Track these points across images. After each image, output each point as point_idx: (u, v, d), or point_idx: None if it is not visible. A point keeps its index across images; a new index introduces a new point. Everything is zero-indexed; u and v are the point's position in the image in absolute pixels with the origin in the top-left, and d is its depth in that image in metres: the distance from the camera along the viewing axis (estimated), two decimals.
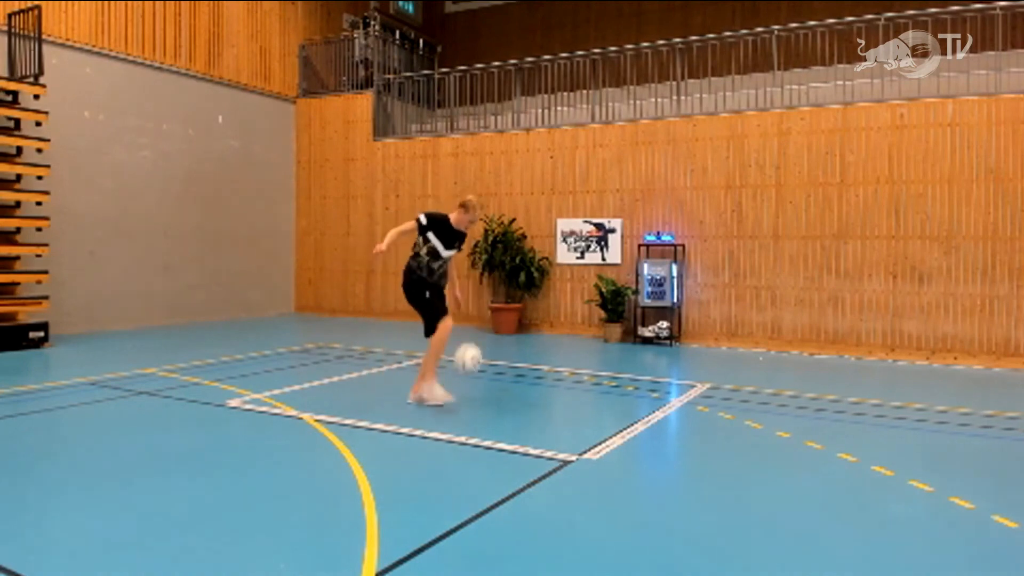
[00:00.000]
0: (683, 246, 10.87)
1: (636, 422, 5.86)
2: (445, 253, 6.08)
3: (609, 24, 15.73)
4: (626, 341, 10.97)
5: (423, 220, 6.07)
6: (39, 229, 9.66)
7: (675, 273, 10.74)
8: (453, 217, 6.13)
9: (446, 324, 6.03)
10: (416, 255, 6.10)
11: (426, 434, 5.32)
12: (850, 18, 10.25)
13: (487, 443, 5.10)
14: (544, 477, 4.39)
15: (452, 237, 6.10)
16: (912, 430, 5.80)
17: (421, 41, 15.49)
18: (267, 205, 14.05)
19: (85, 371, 7.63)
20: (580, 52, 12.46)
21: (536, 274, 11.70)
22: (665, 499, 4.26)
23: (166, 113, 12.08)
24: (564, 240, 11.85)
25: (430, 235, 6.02)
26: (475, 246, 11.98)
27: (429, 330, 6.08)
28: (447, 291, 6.33)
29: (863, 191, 9.81)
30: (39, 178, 9.75)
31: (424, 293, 6.05)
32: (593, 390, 7.46)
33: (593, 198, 11.66)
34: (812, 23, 10.52)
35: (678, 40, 11.60)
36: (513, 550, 3.40)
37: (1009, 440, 5.57)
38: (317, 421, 5.68)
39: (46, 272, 9.66)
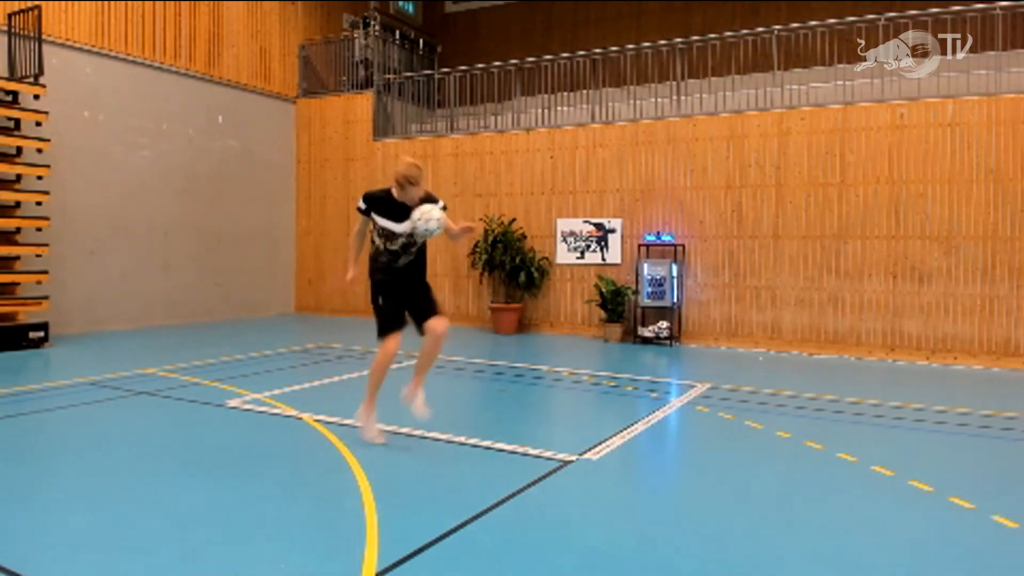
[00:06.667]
0: (683, 246, 10.87)
1: (636, 422, 5.86)
2: (400, 228, 4.92)
3: (609, 24, 15.73)
4: (626, 341, 10.97)
5: (361, 205, 5.05)
6: (39, 229, 9.66)
7: (675, 273, 10.74)
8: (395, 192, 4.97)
9: (388, 347, 4.93)
10: (372, 245, 5.08)
11: (426, 434, 5.32)
12: (850, 18, 10.25)
13: (487, 443, 5.10)
14: (544, 477, 4.39)
15: (402, 209, 4.92)
16: (911, 430, 5.80)
17: (421, 41, 15.49)
18: (267, 205, 14.05)
19: (85, 371, 7.63)
20: (580, 52, 12.46)
21: (536, 274, 11.70)
22: (665, 499, 4.26)
23: (166, 113, 12.08)
24: (564, 240, 11.85)
25: (375, 217, 4.99)
26: (475, 246, 11.98)
27: (379, 334, 5.02)
28: (461, 226, 5.03)
29: (863, 191, 9.81)
30: (39, 178, 9.75)
31: (377, 298, 5.00)
32: (593, 390, 7.46)
33: (593, 198, 11.66)
34: (812, 23, 10.52)
35: (678, 40, 11.60)
36: (513, 550, 3.40)
37: (1009, 440, 5.57)
38: (317, 421, 5.68)
39: (46, 272, 9.66)
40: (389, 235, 4.96)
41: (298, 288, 14.66)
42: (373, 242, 5.08)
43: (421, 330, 5.05)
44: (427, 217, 4.73)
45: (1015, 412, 6.43)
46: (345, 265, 5.28)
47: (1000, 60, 9.53)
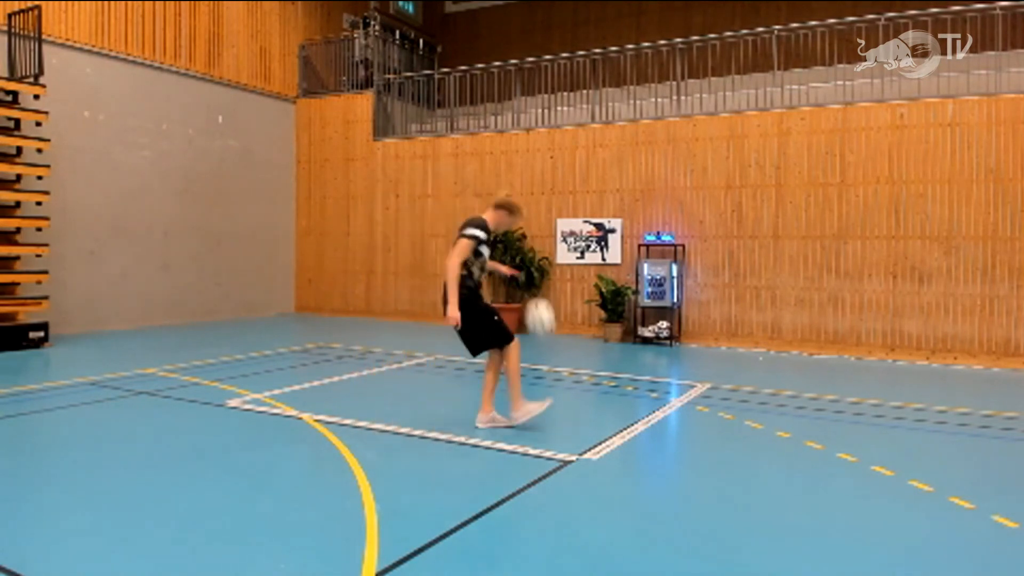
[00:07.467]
0: (683, 246, 10.87)
1: (636, 422, 5.86)
2: (487, 253, 5.42)
3: (609, 24, 15.73)
4: (626, 341, 10.97)
5: (481, 235, 5.17)
6: (39, 229, 9.66)
7: (675, 273, 10.74)
8: (488, 217, 5.40)
9: (518, 346, 5.39)
10: (470, 274, 5.25)
11: (426, 434, 5.32)
12: (850, 18, 10.25)
13: (487, 443, 5.10)
14: (544, 477, 4.39)
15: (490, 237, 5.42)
16: (911, 430, 5.80)
17: (421, 41, 15.49)
18: (267, 205, 14.05)
19: (85, 371, 7.63)
20: (580, 52, 12.46)
21: (536, 274, 11.70)
22: (665, 499, 4.26)
23: (166, 113, 12.08)
24: (564, 240, 11.85)
25: (483, 248, 5.25)
26: None
27: (481, 348, 5.42)
28: (503, 270, 5.90)
29: (863, 191, 9.81)
30: (39, 178, 9.75)
31: (494, 316, 5.34)
32: (593, 390, 7.46)
33: (593, 198, 11.66)
34: (812, 23, 10.52)
35: (678, 40, 11.60)
36: (513, 550, 3.40)
37: (1009, 440, 5.57)
38: (317, 421, 5.68)
39: (46, 272, 9.66)
40: (484, 264, 5.35)
41: (298, 288, 14.66)
42: (472, 273, 5.27)
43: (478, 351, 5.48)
44: (540, 319, 5.55)
45: (1015, 412, 6.43)
46: (454, 300, 5.08)
47: (1000, 60, 9.53)
